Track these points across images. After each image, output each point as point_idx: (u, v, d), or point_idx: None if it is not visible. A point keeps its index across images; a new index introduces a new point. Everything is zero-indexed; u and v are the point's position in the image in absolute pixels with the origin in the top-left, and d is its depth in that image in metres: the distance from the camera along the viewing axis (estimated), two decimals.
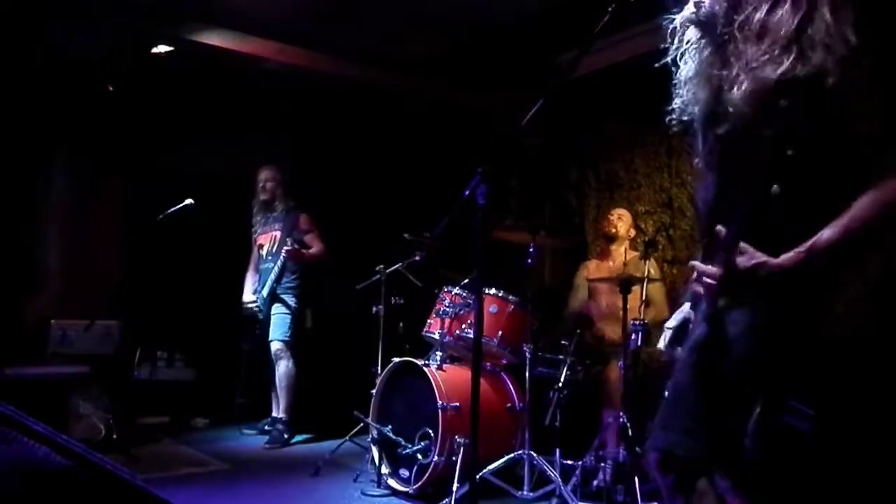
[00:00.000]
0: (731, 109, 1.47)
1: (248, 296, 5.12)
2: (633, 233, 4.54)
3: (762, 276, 1.38)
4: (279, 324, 4.88)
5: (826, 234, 1.33)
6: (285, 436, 4.79)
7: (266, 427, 5.02)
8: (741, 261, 1.39)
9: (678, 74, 1.62)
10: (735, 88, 1.46)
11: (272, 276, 4.88)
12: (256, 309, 4.98)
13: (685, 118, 1.63)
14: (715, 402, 1.47)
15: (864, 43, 1.34)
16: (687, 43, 1.61)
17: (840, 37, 1.35)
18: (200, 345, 5.71)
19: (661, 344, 1.84)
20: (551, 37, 4.64)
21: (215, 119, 5.81)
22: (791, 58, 1.39)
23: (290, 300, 4.92)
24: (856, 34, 1.35)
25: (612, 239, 4.48)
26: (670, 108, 1.65)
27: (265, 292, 4.89)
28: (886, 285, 1.33)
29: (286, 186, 5.13)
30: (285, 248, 4.78)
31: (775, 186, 1.30)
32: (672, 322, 1.80)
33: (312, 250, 4.98)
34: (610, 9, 1.65)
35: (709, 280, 1.44)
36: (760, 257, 1.39)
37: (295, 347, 4.92)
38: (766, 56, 1.42)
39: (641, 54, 4.10)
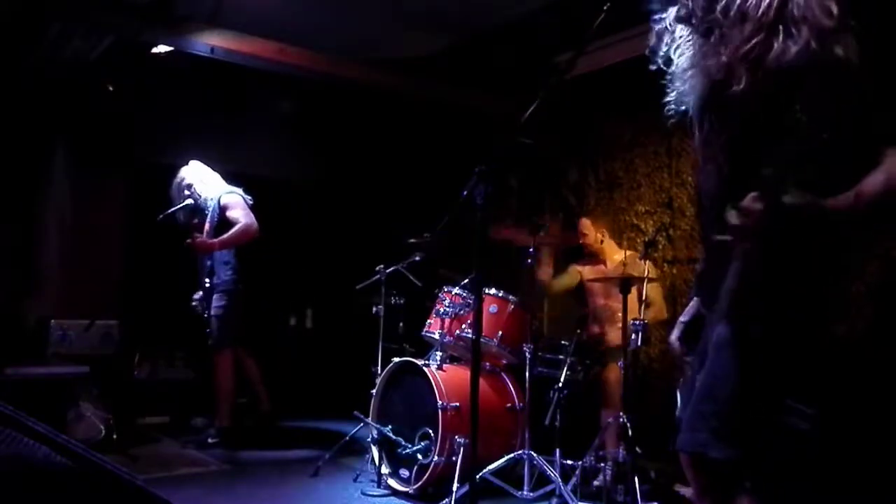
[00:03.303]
0: (729, 99, 1.47)
1: (198, 294, 4.84)
2: (602, 238, 4.49)
3: (813, 213, 1.36)
4: (214, 328, 4.64)
5: (869, 182, 1.34)
6: (210, 440, 4.60)
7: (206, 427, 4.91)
8: (789, 198, 1.37)
9: (673, 68, 1.63)
10: (730, 77, 1.47)
11: (204, 273, 4.66)
12: (200, 308, 4.76)
13: (682, 108, 1.64)
14: (738, 403, 1.48)
15: (846, 11, 1.35)
16: (679, 38, 1.62)
17: (821, 8, 1.36)
18: (200, 345, 5.70)
19: (674, 336, 1.85)
20: (551, 37, 4.64)
21: (215, 119, 5.81)
22: (779, 39, 1.39)
23: (221, 300, 4.64)
24: (837, 4, 1.36)
25: (588, 250, 4.49)
26: (666, 100, 1.66)
27: (202, 291, 4.71)
28: (886, 285, 1.33)
29: (205, 178, 4.74)
30: (187, 241, 4.50)
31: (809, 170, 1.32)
32: (684, 316, 1.81)
33: (227, 234, 4.54)
34: (605, 7, 1.66)
35: (748, 218, 1.39)
36: (809, 197, 1.37)
37: (231, 352, 4.68)
38: (755, 40, 1.42)
39: (641, 54, 4.10)
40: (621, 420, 3.50)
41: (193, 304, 4.84)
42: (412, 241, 4.24)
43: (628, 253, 4.22)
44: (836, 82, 1.35)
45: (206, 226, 4.61)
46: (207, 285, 4.63)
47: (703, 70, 1.54)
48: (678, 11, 1.59)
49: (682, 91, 1.61)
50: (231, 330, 4.67)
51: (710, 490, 1.57)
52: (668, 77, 1.64)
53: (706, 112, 1.56)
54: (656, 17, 1.64)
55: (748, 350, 1.47)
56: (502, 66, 5.24)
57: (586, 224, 4.51)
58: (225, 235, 4.54)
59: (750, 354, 1.46)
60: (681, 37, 1.62)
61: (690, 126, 1.63)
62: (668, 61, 1.65)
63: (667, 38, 1.64)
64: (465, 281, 4.04)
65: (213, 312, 4.62)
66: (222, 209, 4.62)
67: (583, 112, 5.35)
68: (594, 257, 4.51)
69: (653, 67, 1.67)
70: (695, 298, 1.83)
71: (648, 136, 4.99)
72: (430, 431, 3.55)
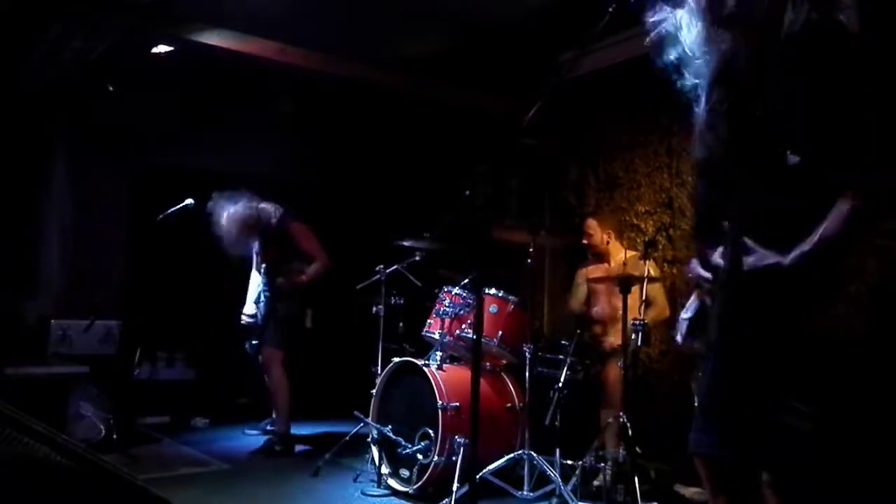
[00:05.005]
0: (740, 71, 1.50)
1: (248, 307, 4.92)
2: (608, 239, 4.48)
3: (773, 274, 1.42)
4: (273, 330, 4.66)
5: (829, 227, 1.41)
6: (277, 447, 4.56)
7: (267, 429, 4.96)
8: (751, 260, 1.41)
9: (686, 41, 1.65)
10: (741, 51, 1.50)
11: (266, 290, 4.72)
12: (252, 321, 4.81)
13: (697, 81, 1.66)
14: (742, 405, 1.49)
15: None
16: (685, 19, 1.64)
17: None
18: (201, 345, 5.71)
19: (679, 336, 1.85)
20: (551, 37, 4.64)
21: (215, 119, 5.81)
22: (788, 20, 1.41)
23: (286, 308, 4.70)
24: None
25: (594, 250, 4.48)
26: (685, 74, 1.67)
27: (261, 304, 4.75)
28: (886, 285, 1.33)
29: (264, 207, 4.71)
30: (279, 280, 4.60)
31: (793, 157, 1.35)
32: (687, 313, 1.82)
33: (311, 269, 4.64)
34: (610, 9, 1.66)
35: (701, 280, 1.47)
36: (772, 258, 1.41)
37: (288, 355, 4.69)
38: (765, 19, 1.45)
39: (641, 55, 4.09)
40: (621, 420, 3.50)
41: (248, 320, 4.84)
42: (402, 243, 4.24)
43: (630, 253, 4.21)
44: (839, 51, 1.38)
45: (271, 248, 4.67)
46: (264, 300, 4.68)
47: (716, 44, 1.57)
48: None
49: (697, 64, 1.63)
50: (288, 335, 4.69)
51: (724, 489, 1.58)
52: (681, 53, 1.66)
53: (717, 83, 1.59)
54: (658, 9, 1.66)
55: (739, 351, 1.48)
56: (502, 66, 5.23)
57: (592, 225, 4.48)
58: (311, 271, 4.63)
59: (740, 355, 1.48)
60: (688, 18, 1.64)
61: (696, 99, 1.66)
62: (675, 42, 1.66)
63: (673, 21, 1.65)
64: (465, 281, 4.04)
65: (278, 318, 4.64)
66: (291, 234, 4.66)
67: (583, 112, 5.35)
68: (599, 258, 4.50)
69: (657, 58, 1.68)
70: (695, 292, 1.84)
71: (648, 136, 4.98)
72: (430, 431, 3.55)
